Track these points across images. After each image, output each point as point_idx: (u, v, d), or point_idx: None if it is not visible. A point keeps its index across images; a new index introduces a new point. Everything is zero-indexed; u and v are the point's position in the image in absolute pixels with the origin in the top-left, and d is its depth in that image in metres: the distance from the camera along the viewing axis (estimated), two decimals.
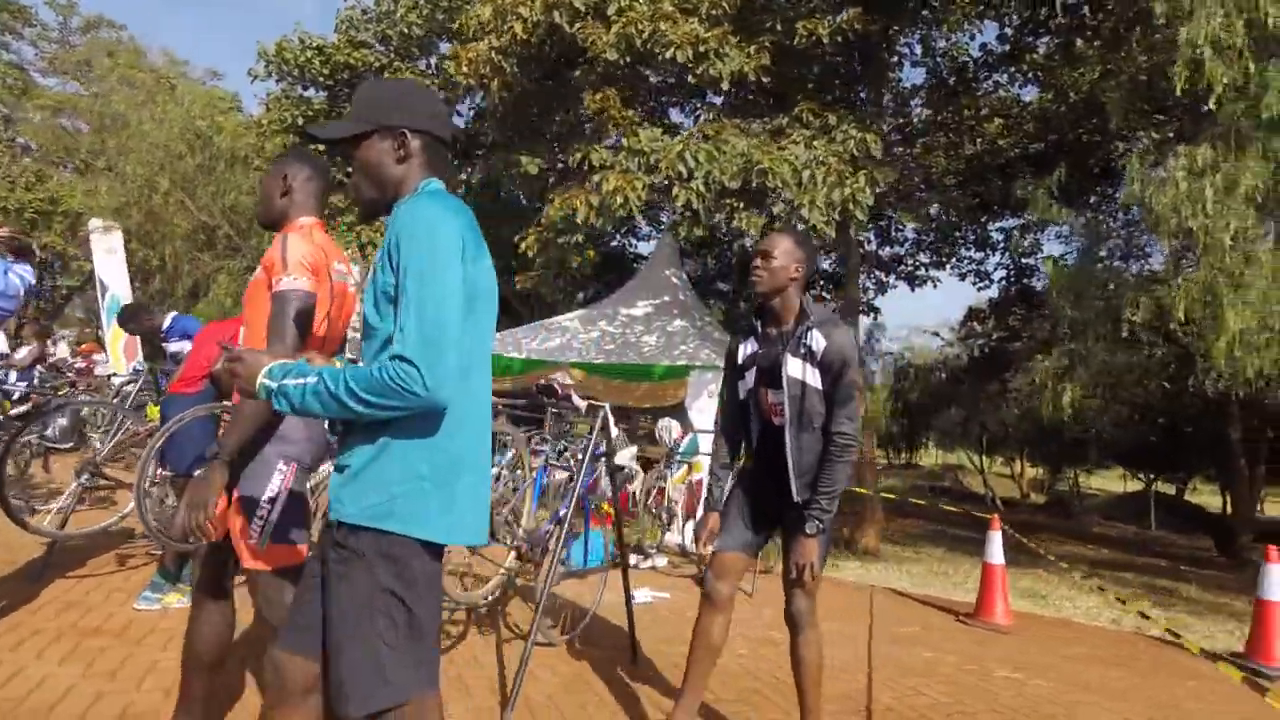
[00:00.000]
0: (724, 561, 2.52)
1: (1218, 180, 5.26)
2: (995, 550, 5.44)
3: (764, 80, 7.38)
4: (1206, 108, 5.63)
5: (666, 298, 10.79)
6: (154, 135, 9.09)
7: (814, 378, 2.27)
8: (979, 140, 11.45)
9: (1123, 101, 6.98)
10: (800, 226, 6.66)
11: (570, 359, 9.48)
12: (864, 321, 16.78)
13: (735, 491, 2.56)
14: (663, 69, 7.62)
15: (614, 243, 14.69)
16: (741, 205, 6.62)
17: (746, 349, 2.49)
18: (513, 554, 3.34)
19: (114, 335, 10.34)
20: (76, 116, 11.73)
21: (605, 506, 6.59)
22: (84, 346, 11.08)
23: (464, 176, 11.84)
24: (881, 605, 5.75)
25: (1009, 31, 9.16)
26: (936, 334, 13.65)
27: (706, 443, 7.10)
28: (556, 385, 3.56)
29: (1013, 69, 9.62)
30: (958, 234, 12.59)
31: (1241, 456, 10.61)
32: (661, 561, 6.14)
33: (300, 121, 10.87)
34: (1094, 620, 6.05)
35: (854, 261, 9.25)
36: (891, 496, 8.53)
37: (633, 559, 6.12)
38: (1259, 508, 20.23)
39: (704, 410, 8.17)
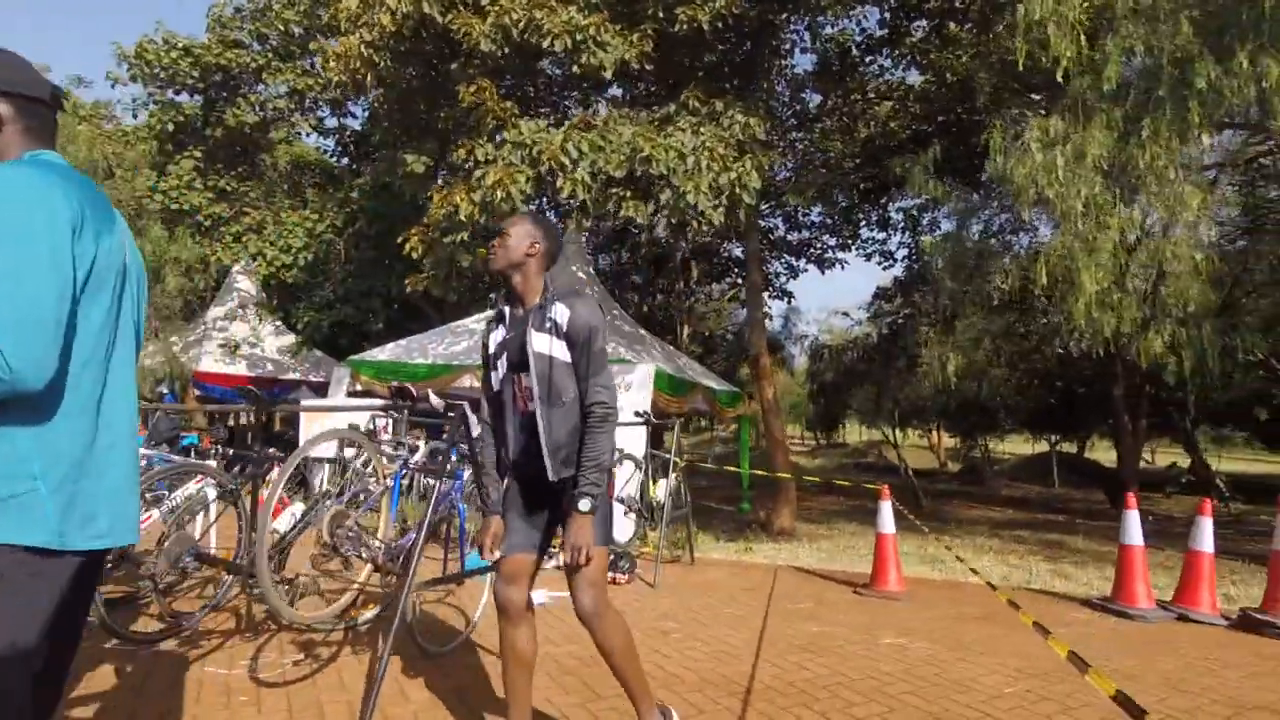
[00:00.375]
0: (511, 566, 2.38)
1: (1068, 150, 5.53)
2: (886, 520, 5.57)
3: (648, 69, 7.34)
4: (1057, 81, 5.92)
5: None
6: None
7: (560, 350, 2.21)
8: (872, 123, 11.78)
9: (991, 80, 7.25)
10: (690, 213, 6.67)
11: (477, 361, 9.26)
12: (779, 305, 17.09)
13: (509, 491, 2.44)
14: (549, 60, 7.48)
15: None
16: (628, 194, 6.56)
17: (496, 337, 2.39)
18: (369, 567, 3.16)
19: None
20: None
21: None
22: None
23: (360, 180, 11.40)
24: (784, 583, 5.81)
25: (886, 15, 9.43)
26: (846, 314, 14.04)
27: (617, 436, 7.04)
28: (411, 388, 3.39)
29: (893, 52, 9.92)
30: (859, 215, 12.95)
31: (1125, 413, 11.31)
32: None
33: (170, 128, 10.20)
34: (991, 579, 6.29)
35: (753, 246, 9.36)
36: (785, 476, 8.66)
37: None
38: (1151, 459, 21.74)
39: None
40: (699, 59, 8.18)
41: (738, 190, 6.66)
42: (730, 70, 8.93)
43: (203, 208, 10.05)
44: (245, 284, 12.17)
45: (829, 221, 13.39)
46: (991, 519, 11.24)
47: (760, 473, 8.88)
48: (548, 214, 8.52)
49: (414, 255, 6.72)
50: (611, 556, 5.71)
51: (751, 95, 8.22)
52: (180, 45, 9.80)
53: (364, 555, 3.22)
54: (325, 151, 13.08)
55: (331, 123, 12.66)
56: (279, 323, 11.93)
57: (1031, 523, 10.74)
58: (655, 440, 10.06)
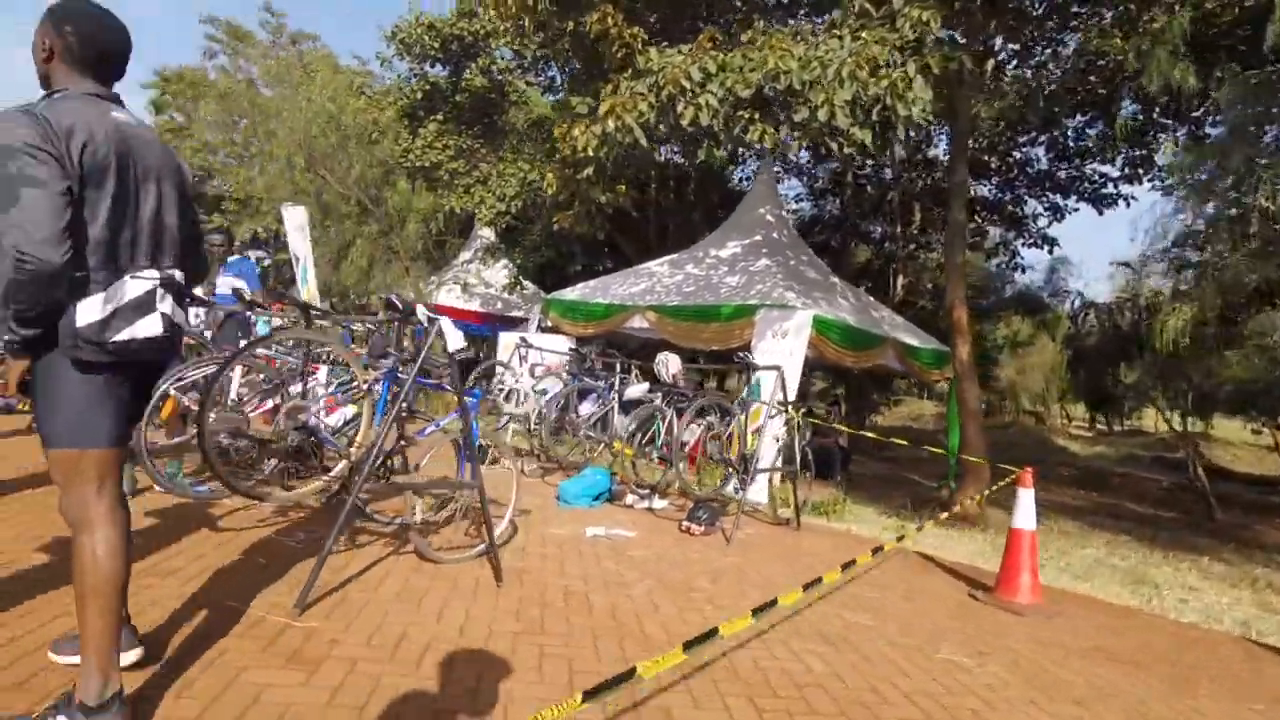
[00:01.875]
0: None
1: None
2: (1024, 514, 4.34)
3: None
4: None
5: (758, 237, 10.10)
6: (291, 120, 10.61)
7: None
8: (1176, 4, 8.82)
9: None
10: (825, 131, 5.78)
11: (649, 302, 9.34)
12: (1036, 255, 13.96)
13: None
14: None
15: (741, 182, 13.97)
16: (756, 115, 5.87)
17: None
18: (344, 462, 3.41)
19: (306, 296, 12.23)
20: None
21: (620, 446, 6.44)
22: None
23: None
24: (889, 570, 4.92)
25: None
26: (1127, 265, 10.70)
27: (769, 382, 6.54)
28: (395, 299, 3.52)
29: None
30: (1155, 136, 9.83)
31: None
32: (661, 504, 5.84)
33: (419, 96, 11.86)
34: (1212, 621, 4.58)
35: (959, 176, 7.77)
36: (979, 461, 7.15)
37: (629, 498, 5.92)
38: None
39: (768, 351, 7.56)
40: None
41: (892, 102, 5.55)
42: None
43: (443, 164, 11.62)
44: (486, 231, 13.82)
45: (1109, 147, 10.43)
46: None
47: (930, 448, 7.55)
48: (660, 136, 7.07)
49: (549, 192, 6.89)
50: (691, 504, 5.40)
51: None
52: (426, 22, 11.32)
53: (341, 452, 3.47)
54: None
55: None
56: (509, 264, 13.35)
57: None
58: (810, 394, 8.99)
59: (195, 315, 5.87)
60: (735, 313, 8.25)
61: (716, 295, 8.88)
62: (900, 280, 12.23)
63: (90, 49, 1.89)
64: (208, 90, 15.90)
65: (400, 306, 3.51)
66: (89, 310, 1.84)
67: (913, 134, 12.65)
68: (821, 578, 2.74)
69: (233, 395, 4.33)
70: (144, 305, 1.96)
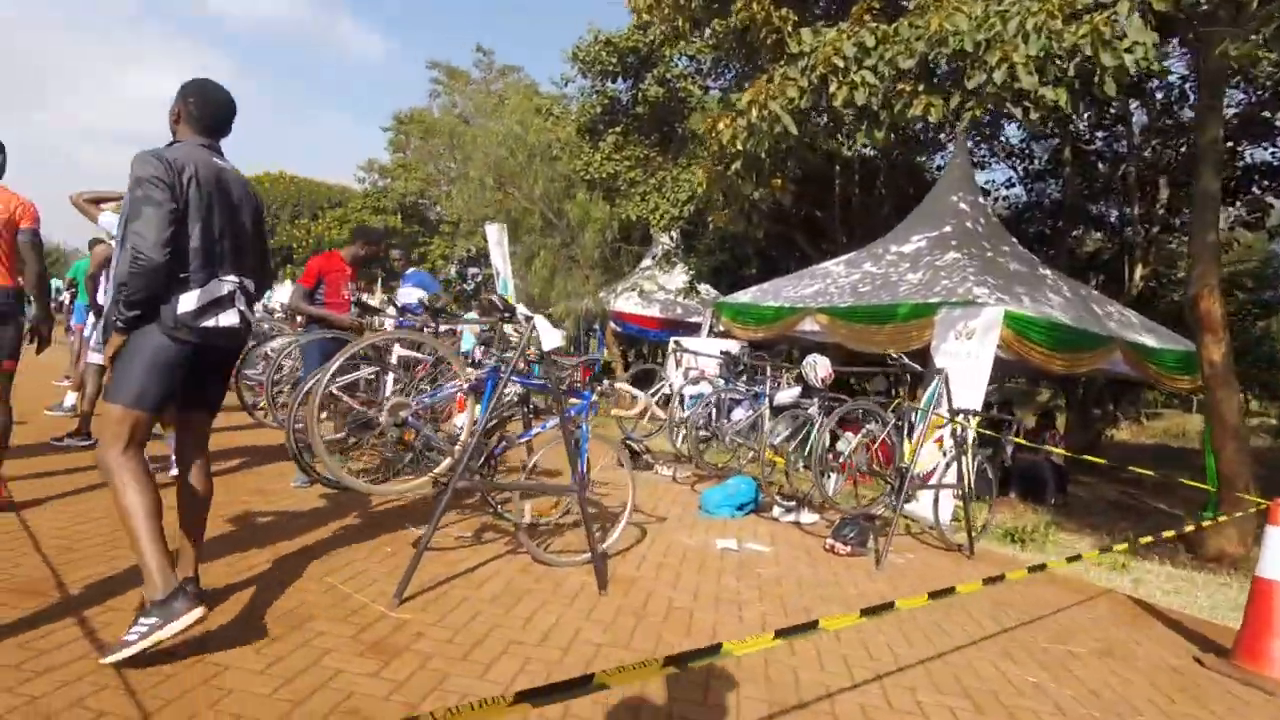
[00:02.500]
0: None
1: None
2: (1275, 559, 3.27)
3: None
4: None
5: (948, 228, 9.02)
6: (484, 144, 11.62)
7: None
8: None
9: None
10: (1005, 97, 4.95)
11: (820, 304, 8.76)
12: None
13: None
14: None
15: (938, 171, 12.57)
16: (920, 88, 5.16)
17: None
18: (447, 460, 3.55)
19: None
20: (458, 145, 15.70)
21: (771, 455, 6.09)
22: None
23: None
24: (1089, 615, 4.03)
25: None
26: None
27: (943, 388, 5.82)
28: (496, 300, 3.59)
29: None
30: None
31: None
32: (810, 518, 5.39)
33: (598, 111, 12.31)
34: None
35: (1210, 134, 6.22)
36: (1243, 489, 5.59)
37: (775, 509, 5.53)
38: None
39: (950, 354, 6.70)
40: None
41: (1094, 51, 4.58)
42: None
43: (620, 174, 11.97)
44: (666, 237, 13.98)
45: None
46: None
47: (1138, 468, 6.11)
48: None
49: (700, 190, 6.70)
50: (839, 519, 4.89)
51: None
52: (602, 39, 11.73)
53: (444, 449, 3.61)
54: None
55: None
56: (685, 268, 13.35)
57: None
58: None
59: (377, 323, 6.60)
60: (912, 312, 7.40)
61: (894, 294, 8.05)
62: (1140, 270, 10.11)
63: (206, 118, 2.53)
64: (428, 127, 18.16)
65: (502, 307, 3.58)
66: (188, 301, 2.41)
67: (1159, 93, 10.51)
68: (894, 603, 2.19)
69: (387, 393, 4.74)
70: (226, 302, 2.52)
